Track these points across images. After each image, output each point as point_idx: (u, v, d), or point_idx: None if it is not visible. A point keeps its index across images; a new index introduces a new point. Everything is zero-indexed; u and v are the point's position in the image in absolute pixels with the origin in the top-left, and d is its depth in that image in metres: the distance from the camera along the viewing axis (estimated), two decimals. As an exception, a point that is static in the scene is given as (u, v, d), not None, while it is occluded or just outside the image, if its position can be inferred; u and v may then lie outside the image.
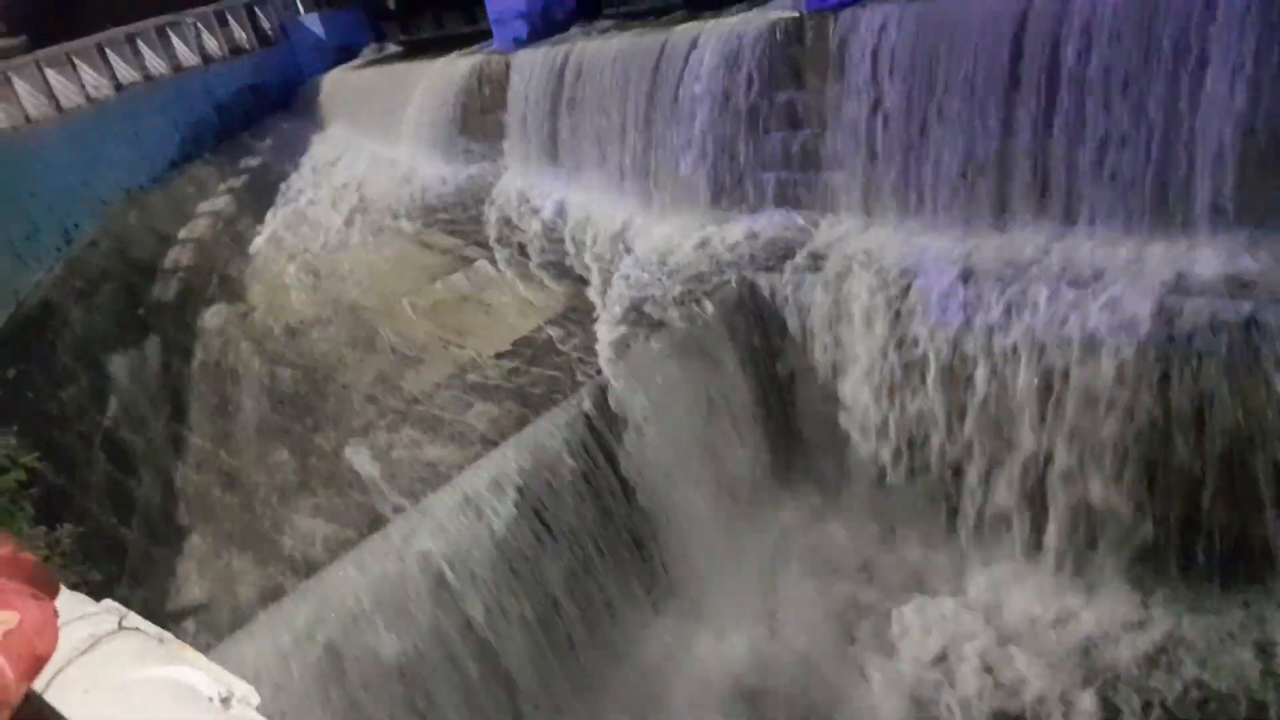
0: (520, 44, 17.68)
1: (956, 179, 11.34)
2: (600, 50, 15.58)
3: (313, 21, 24.49)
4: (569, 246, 14.61)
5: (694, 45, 13.87)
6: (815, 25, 12.74)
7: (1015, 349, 9.71)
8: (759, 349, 11.81)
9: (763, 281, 11.81)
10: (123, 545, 10.40)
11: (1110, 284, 9.53)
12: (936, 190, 11.53)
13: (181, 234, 19.58)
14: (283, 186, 20.94)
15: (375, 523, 9.17)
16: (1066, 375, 9.39)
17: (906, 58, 11.57)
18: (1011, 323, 9.76)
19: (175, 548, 10.03)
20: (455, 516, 9.27)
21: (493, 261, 14.98)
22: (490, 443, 9.98)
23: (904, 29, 11.59)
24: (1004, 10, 10.76)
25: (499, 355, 11.98)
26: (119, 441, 13.13)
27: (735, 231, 13.14)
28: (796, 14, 13.03)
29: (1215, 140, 9.44)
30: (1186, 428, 8.83)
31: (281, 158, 22.24)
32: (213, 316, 16.45)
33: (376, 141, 20.91)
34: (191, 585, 9.35)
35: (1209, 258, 9.49)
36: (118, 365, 15.18)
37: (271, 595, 8.59)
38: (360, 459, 10.51)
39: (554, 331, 12.25)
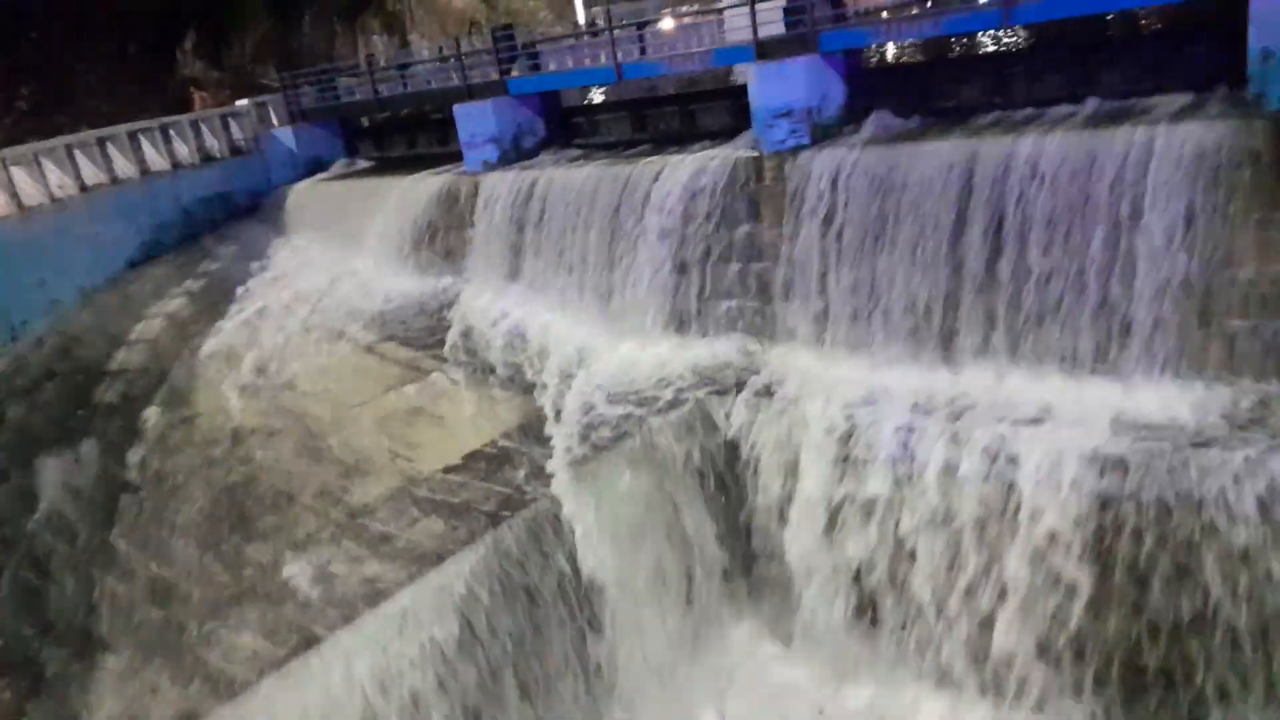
0: (490, 167, 18.16)
1: (906, 316, 11.70)
2: (568, 177, 16.07)
3: (286, 134, 24.99)
4: (526, 363, 14.66)
5: (657, 178, 14.37)
6: (774, 165, 13.31)
7: (961, 489, 9.81)
8: (711, 474, 11.79)
9: (716, 407, 11.91)
10: (37, 660, 9.81)
11: (1052, 425, 9.79)
12: (886, 326, 11.87)
13: (132, 335, 19.30)
14: (240, 292, 20.87)
15: (308, 641, 8.79)
16: (1012, 517, 9.49)
17: (859, 199, 12.11)
18: (958, 462, 9.90)
19: (93, 663, 9.48)
20: (394, 636, 8.93)
21: (448, 375, 14.95)
22: (434, 559, 9.72)
23: (857, 172, 12.16)
24: (952, 158, 11.38)
25: (448, 469, 11.81)
26: (42, 547, 12.55)
27: (691, 356, 13.32)
28: (756, 153, 13.63)
29: (1152, 288, 9.92)
30: (1129, 574, 8.91)
31: (243, 263, 22.26)
32: (156, 420, 16.06)
33: (340, 252, 21.08)
34: (105, 705, 8.80)
35: (1148, 401, 9.82)
36: (52, 467, 14.64)
37: (187, 718, 8.11)
38: (298, 573, 10.15)
39: (506, 447, 12.15)
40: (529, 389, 13.87)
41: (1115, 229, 10.17)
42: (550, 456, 11.44)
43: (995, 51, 21.41)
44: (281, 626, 9.19)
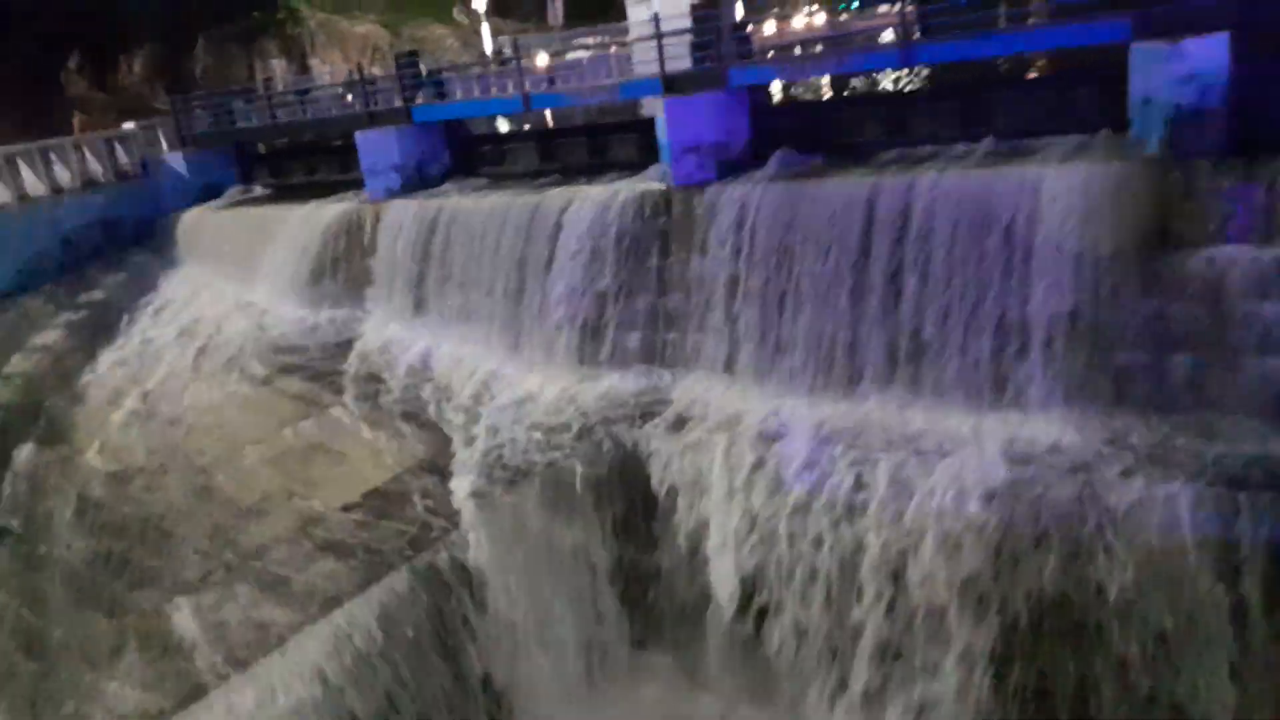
0: (393, 195, 17.79)
1: (812, 347, 11.85)
2: (474, 206, 15.84)
3: (176, 160, 23.99)
4: (430, 396, 14.29)
5: (566, 208, 14.29)
6: (682, 198, 13.39)
7: (865, 517, 9.94)
8: (621, 506, 11.66)
9: (626, 438, 11.81)
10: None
11: (951, 454, 10.02)
12: (793, 357, 12.00)
13: (5, 369, 18.13)
14: (125, 323, 19.86)
15: (195, 691, 8.25)
16: (911, 545, 9.63)
17: (766, 232, 12.26)
18: (861, 490, 10.03)
19: (-49, 724, 8.71)
20: (287, 684, 8.45)
21: (349, 409, 14.44)
22: (332, 602, 9.28)
23: (764, 206, 12.33)
24: (855, 194, 11.64)
25: (347, 508, 11.35)
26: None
27: (601, 388, 13.21)
28: (665, 186, 13.70)
29: (1045, 322, 10.28)
30: (1027, 598, 9.12)
31: (129, 294, 21.21)
32: (29, 458, 15.06)
33: (234, 282, 20.30)
34: (-36, 770, 8.08)
35: (1042, 431, 10.14)
36: (-89, 510, 13.57)
37: (59, 781, 7.49)
38: (184, 619, 9.55)
39: (409, 483, 11.77)
40: (433, 423, 13.51)
41: (1010, 264, 10.53)
42: (455, 492, 11.14)
43: (896, 91, 22.15)
44: (167, 677, 8.63)
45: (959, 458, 9.91)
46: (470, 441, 12.42)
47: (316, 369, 16.10)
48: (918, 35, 12.78)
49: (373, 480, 11.99)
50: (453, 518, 10.57)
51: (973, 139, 12.63)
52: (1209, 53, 9.97)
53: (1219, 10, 10.04)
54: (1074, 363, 10.26)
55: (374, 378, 15.33)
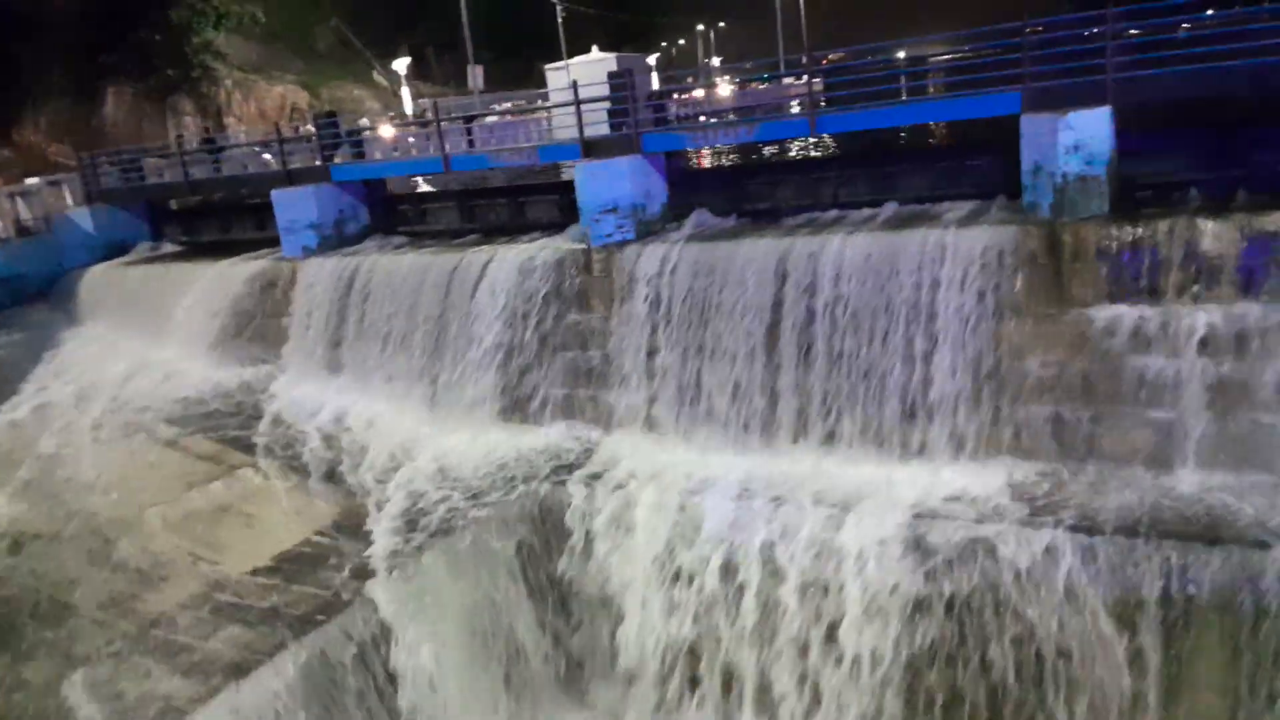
0: (310, 253, 17.60)
1: (730, 403, 12.08)
2: (393, 264, 15.79)
3: (82, 215, 23.34)
4: (345, 456, 14.00)
5: (487, 267, 14.37)
6: (601, 258, 13.62)
7: (784, 570, 10.08)
8: (542, 564, 11.55)
9: (547, 495, 11.76)
10: None
11: (866, 505, 10.27)
12: (712, 413, 12.21)
13: (-113, 431, 17.13)
14: (23, 383, 19.04)
15: (87, 771, 7.80)
16: (829, 595, 9.80)
17: (683, 291, 12.55)
18: (781, 543, 10.18)
19: None
20: (189, 761, 8.07)
21: (259, 469, 14.03)
22: (237, 671, 8.92)
23: (682, 265, 12.63)
24: (768, 254, 12.04)
25: (257, 571, 10.98)
26: None
27: (521, 445, 13.16)
28: (584, 246, 13.91)
29: (950, 376, 10.71)
30: (940, 645, 9.34)
31: (27, 352, 20.37)
32: (-90, 525, 14.17)
33: (141, 340, 19.69)
34: None
35: (950, 482, 10.48)
36: None
37: None
38: (77, 695, 9.05)
39: (322, 545, 11.46)
40: (348, 483, 13.22)
41: (916, 321, 10.99)
42: (370, 555, 10.88)
43: (806, 158, 23.00)
44: (55, 758, 8.14)
45: (873, 510, 10.15)
46: (386, 501, 12.19)
47: (226, 429, 15.64)
48: (823, 105, 13.40)
49: (284, 543, 11.64)
50: (367, 580, 10.31)
51: (877, 204, 13.22)
52: (1092, 125, 10.71)
53: (1100, 87, 10.83)
54: (979, 416, 10.68)
55: (287, 437, 14.96)
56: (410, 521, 11.50)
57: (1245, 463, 9.51)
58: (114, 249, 23.28)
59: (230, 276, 18.53)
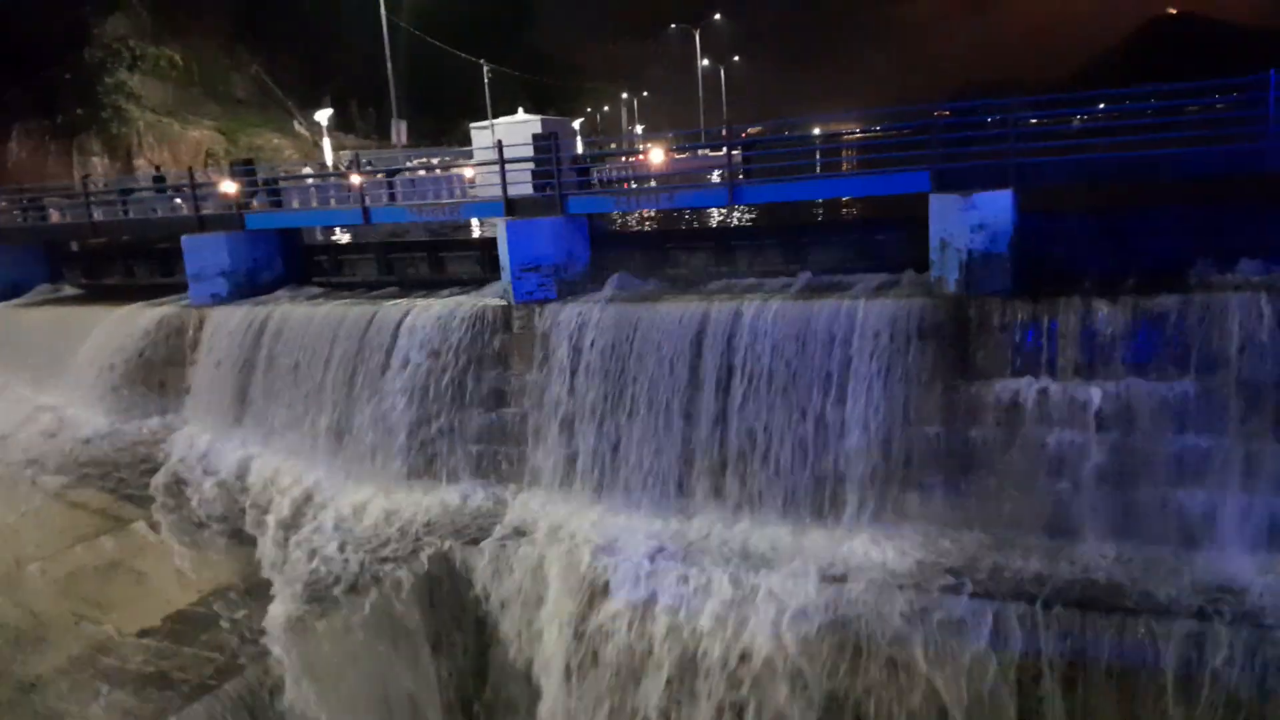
0: (219, 301, 17.11)
1: (646, 464, 12.10)
2: (305, 315, 15.45)
3: (-29, 255, 22.24)
4: (246, 512, 13.47)
5: (403, 320, 14.18)
6: (522, 315, 13.61)
7: (698, 632, 10.07)
8: (450, 627, 11.26)
9: (457, 555, 11.52)
10: None
11: (777, 568, 10.37)
12: (629, 473, 12.19)
13: None
14: (-106, 429, 17.84)
15: None
16: (742, 660, 9.81)
17: (603, 351, 12.60)
18: (690, 605, 10.18)
19: None
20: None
21: (152, 524, 13.38)
22: (120, 740, 8.40)
23: (602, 325, 12.71)
24: (687, 317, 12.21)
25: (145, 633, 10.41)
26: None
27: (432, 503, 12.89)
28: (505, 303, 13.89)
29: (859, 443, 10.96)
30: (849, 708, 9.41)
31: (-99, 396, 19.13)
32: None
33: (31, 386, 18.72)
34: None
35: (857, 548, 10.66)
36: None
37: None
38: (-65, 767, 8.37)
39: (217, 606, 10.95)
40: (248, 540, 12.71)
41: (826, 388, 11.27)
42: (268, 615, 10.44)
43: (725, 226, 23.51)
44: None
45: (782, 574, 10.25)
46: (287, 560, 11.75)
47: (120, 481, 14.90)
48: (742, 177, 13.80)
49: (176, 602, 11.09)
50: (265, 643, 9.87)
51: (792, 273, 13.58)
52: (996, 205, 11.28)
53: (1004, 170, 11.45)
54: (887, 482, 10.93)
55: (184, 491, 14.33)
56: (312, 581, 11.11)
57: (1138, 534, 9.92)
58: (8, 290, 22.18)
59: (133, 322, 17.83)
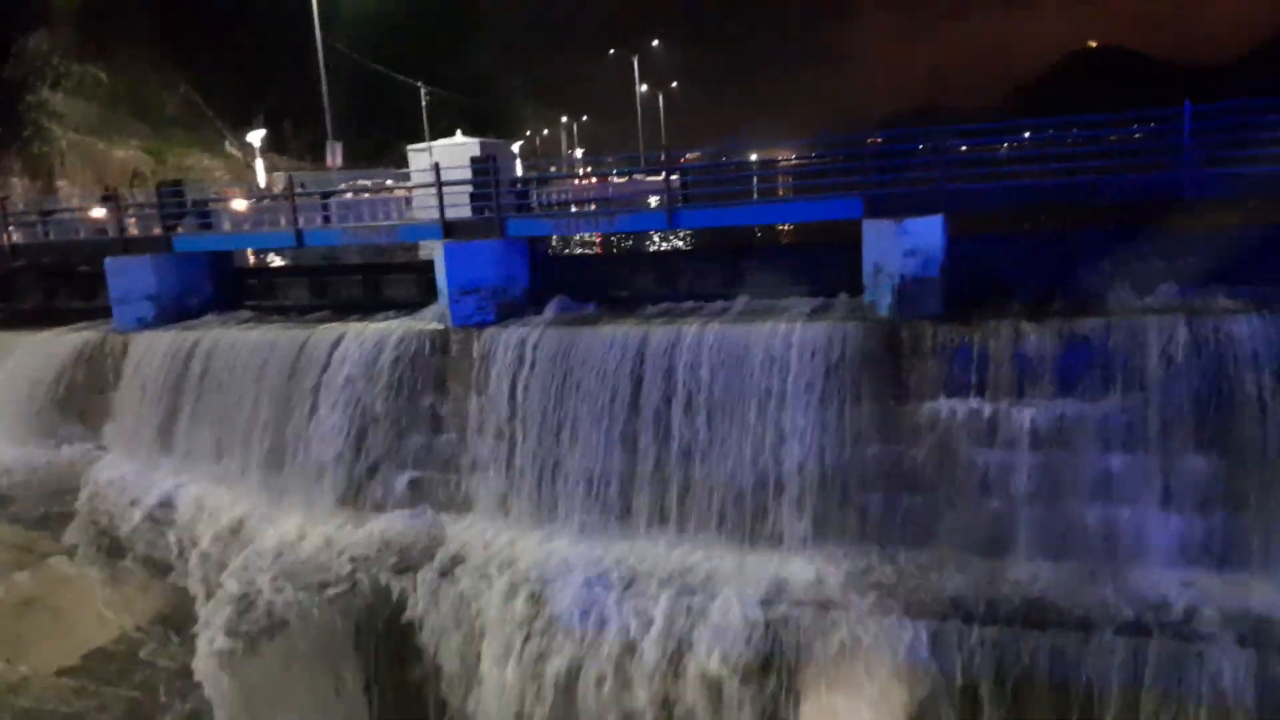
0: (145, 325, 16.60)
1: (586, 489, 12.02)
2: (235, 340, 15.08)
3: (-128, 277, 21.26)
4: (172, 543, 13.04)
5: (337, 345, 13.93)
6: (460, 338, 13.46)
7: (639, 656, 10.02)
8: (386, 659, 11.00)
9: (393, 585, 11.28)
10: None
11: (718, 591, 10.38)
12: (569, 498, 12.11)
13: None
14: None
15: None
16: (684, 683, 9.77)
17: (542, 375, 12.52)
18: (632, 628, 10.14)
19: None
20: None
21: (72, 558, 12.87)
22: (33, 787, 8.00)
23: (542, 348, 12.63)
24: (627, 341, 12.21)
25: (62, 672, 10.01)
26: None
27: (367, 532, 12.61)
28: (443, 327, 13.73)
29: (797, 465, 11.05)
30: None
31: None
32: None
33: (-60, 415, 17.93)
34: None
35: (798, 569, 10.72)
36: None
37: None
38: None
39: (140, 642, 10.57)
40: (173, 573, 12.30)
41: (765, 411, 11.35)
42: (195, 651, 10.09)
43: (664, 250, 23.70)
44: None
45: (724, 597, 10.25)
46: (215, 593, 11.38)
47: (37, 513, 14.32)
48: (681, 201, 13.92)
49: (96, 639, 10.68)
50: (192, 680, 9.53)
51: (730, 296, 13.70)
52: (927, 231, 11.54)
53: (934, 196, 11.73)
54: (824, 503, 11.03)
55: (106, 523, 13.82)
56: (242, 614, 10.76)
57: (1069, 551, 10.15)
58: (-85, 313, 21.23)
59: (49, 348, 17.20)
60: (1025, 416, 10.43)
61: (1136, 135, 13.27)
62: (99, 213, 17.77)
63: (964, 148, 12.58)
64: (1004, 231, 13.39)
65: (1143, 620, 9.18)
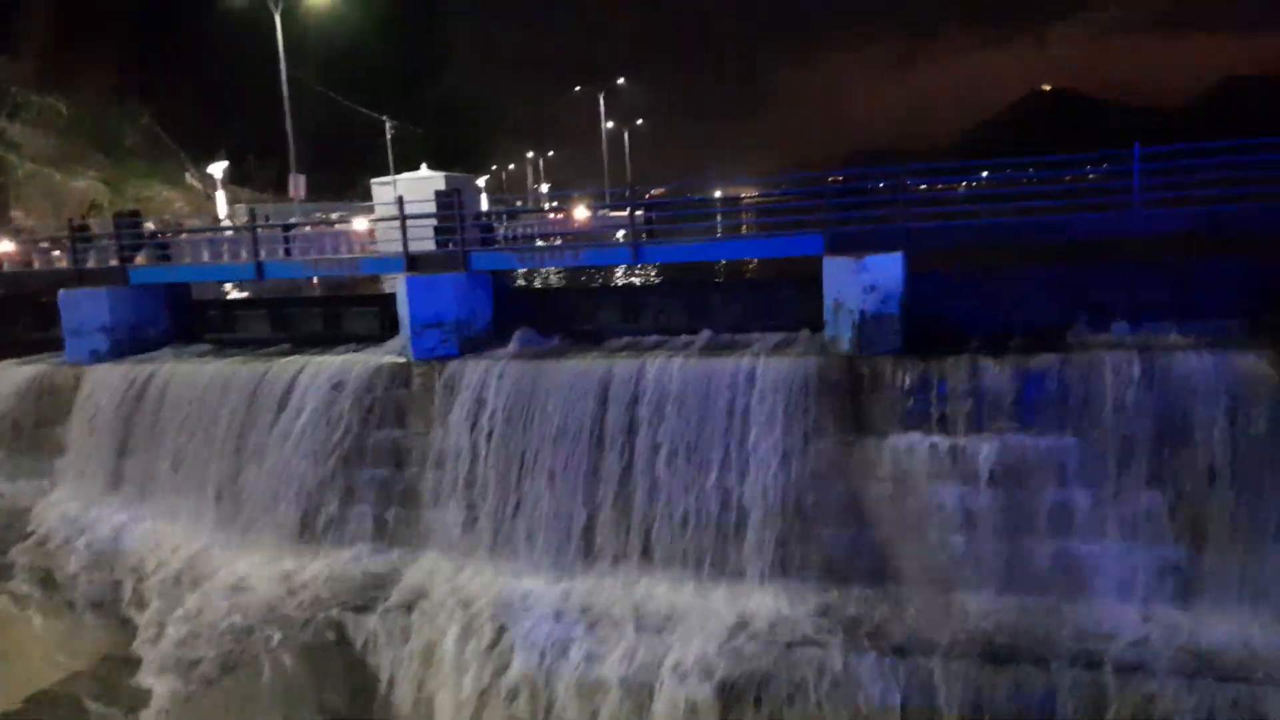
0: (99, 358, 16.30)
1: (549, 524, 11.92)
2: (192, 373, 14.85)
3: None
4: (121, 581, 12.70)
5: (296, 378, 13.76)
6: (422, 372, 13.36)
7: (600, 691, 9.90)
8: (342, 699, 10.76)
9: (351, 623, 11.06)
10: None
11: (682, 626, 10.30)
12: (531, 533, 11.99)
13: None
14: None
15: None
16: (645, 718, 9.67)
17: (505, 409, 12.45)
18: (596, 665, 10.02)
19: None
20: None
21: (17, 597, 12.49)
22: (-33, 838, 7.68)
23: (504, 382, 12.58)
24: (591, 375, 12.20)
25: (5, 716, 9.63)
26: None
27: (325, 567, 12.38)
28: (404, 360, 13.63)
29: (760, 499, 11.05)
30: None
31: None
32: None
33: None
34: None
35: (761, 604, 10.68)
36: None
37: None
38: None
39: (88, 684, 10.25)
40: (123, 612, 11.97)
41: (729, 446, 11.37)
42: (144, 694, 9.80)
43: (629, 284, 23.78)
44: None
45: (685, 632, 10.18)
46: (166, 632, 11.09)
47: (-20, 551, 13.90)
48: (645, 237, 14.01)
49: (41, 680, 10.35)
50: (138, 722, 9.25)
51: (694, 331, 13.77)
52: (887, 268, 11.70)
53: (894, 234, 11.91)
54: (787, 538, 11.02)
55: (53, 560, 13.44)
56: (194, 654, 10.50)
57: (1027, 586, 10.22)
58: None
59: (1, 380, 16.83)
60: (983, 451, 10.53)
61: (1090, 175, 13.61)
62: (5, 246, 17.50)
63: (924, 186, 12.82)
64: (963, 268, 13.61)
65: (1098, 653, 9.25)
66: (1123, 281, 12.30)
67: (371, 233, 18.33)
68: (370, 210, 22.60)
